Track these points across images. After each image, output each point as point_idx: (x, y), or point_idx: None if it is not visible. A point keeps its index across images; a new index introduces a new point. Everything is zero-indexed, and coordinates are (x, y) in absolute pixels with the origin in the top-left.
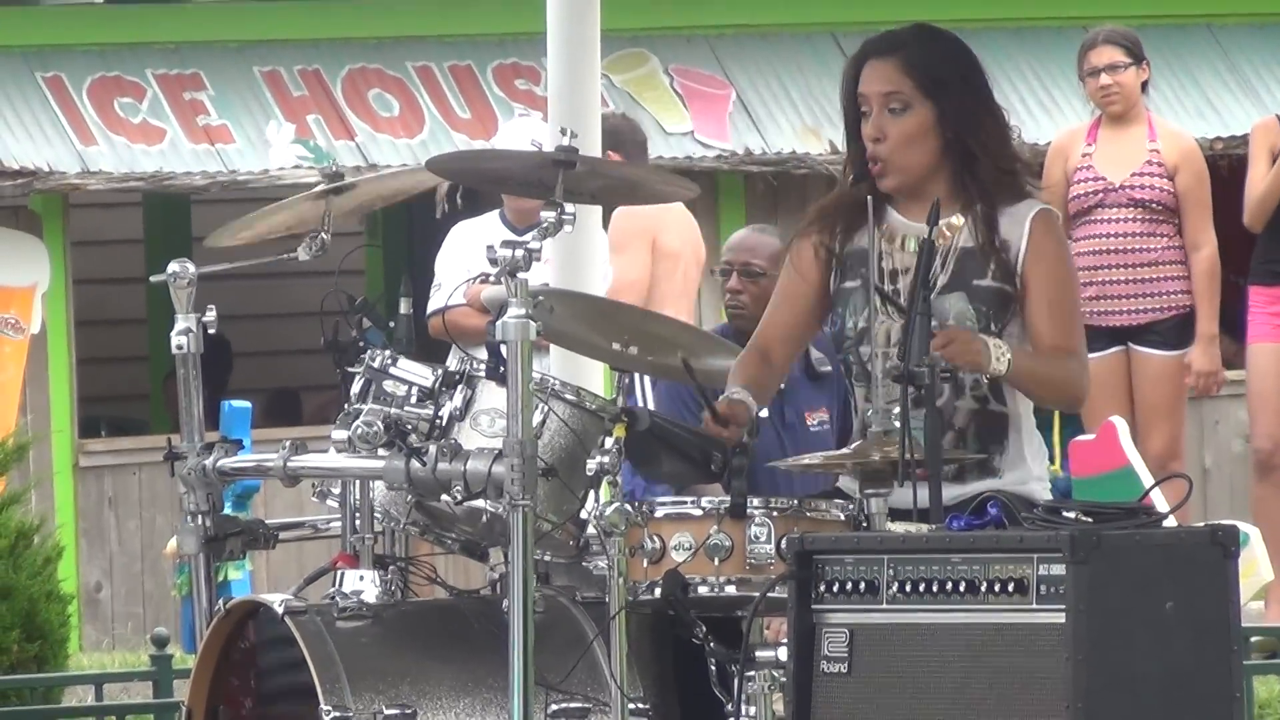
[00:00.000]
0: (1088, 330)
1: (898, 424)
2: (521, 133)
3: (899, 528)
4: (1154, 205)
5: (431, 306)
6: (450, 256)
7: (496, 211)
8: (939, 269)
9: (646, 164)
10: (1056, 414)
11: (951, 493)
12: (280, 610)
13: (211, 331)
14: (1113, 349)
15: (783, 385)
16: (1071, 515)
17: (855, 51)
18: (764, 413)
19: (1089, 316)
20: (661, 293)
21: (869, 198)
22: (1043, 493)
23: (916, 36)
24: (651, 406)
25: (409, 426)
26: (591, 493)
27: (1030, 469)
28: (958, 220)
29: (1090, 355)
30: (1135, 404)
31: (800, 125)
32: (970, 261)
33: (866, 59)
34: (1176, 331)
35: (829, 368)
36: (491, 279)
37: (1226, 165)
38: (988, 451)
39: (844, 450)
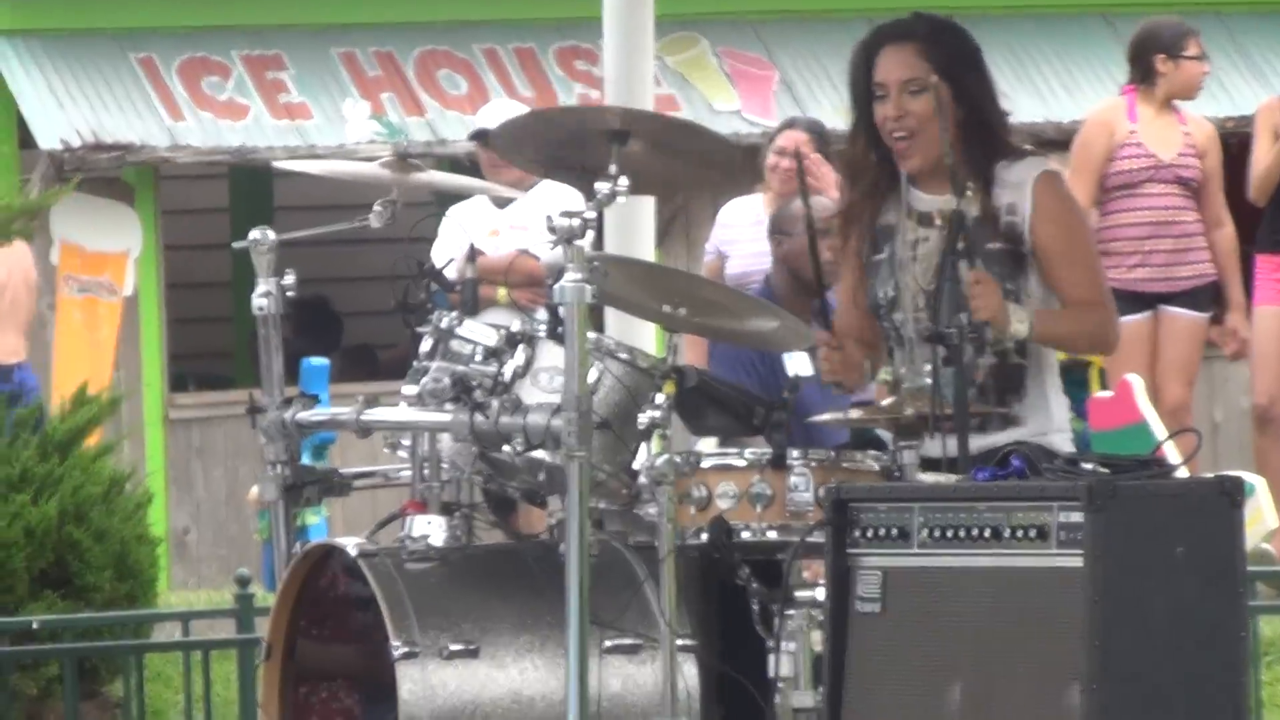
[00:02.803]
0: (1125, 295)
1: (928, 381)
2: (498, 114)
3: (929, 478)
4: (1192, 184)
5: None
6: (447, 234)
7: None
8: (937, 239)
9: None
10: (1095, 373)
11: (977, 443)
12: (354, 553)
13: (291, 294)
14: (1143, 314)
15: None
16: (1089, 466)
17: (865, 38)
18: (809, 370)
19: (1131, 284)
20: None
21: (903, 175)
22: (1063, 443)
23: (925, 23)
24: (708, 368)
25: (474, 383)
26: (643, 445)
27: (1052, 417)
28: (970, 193)
29: (1122, 318)
30: (1156, 359)
31: (839, 103)
32: (979, 229)
33: (881, 46)
34: (1204, 297)
35: None
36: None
37: (1236, 144)
38: (1005, 402)
39: (880, 404)
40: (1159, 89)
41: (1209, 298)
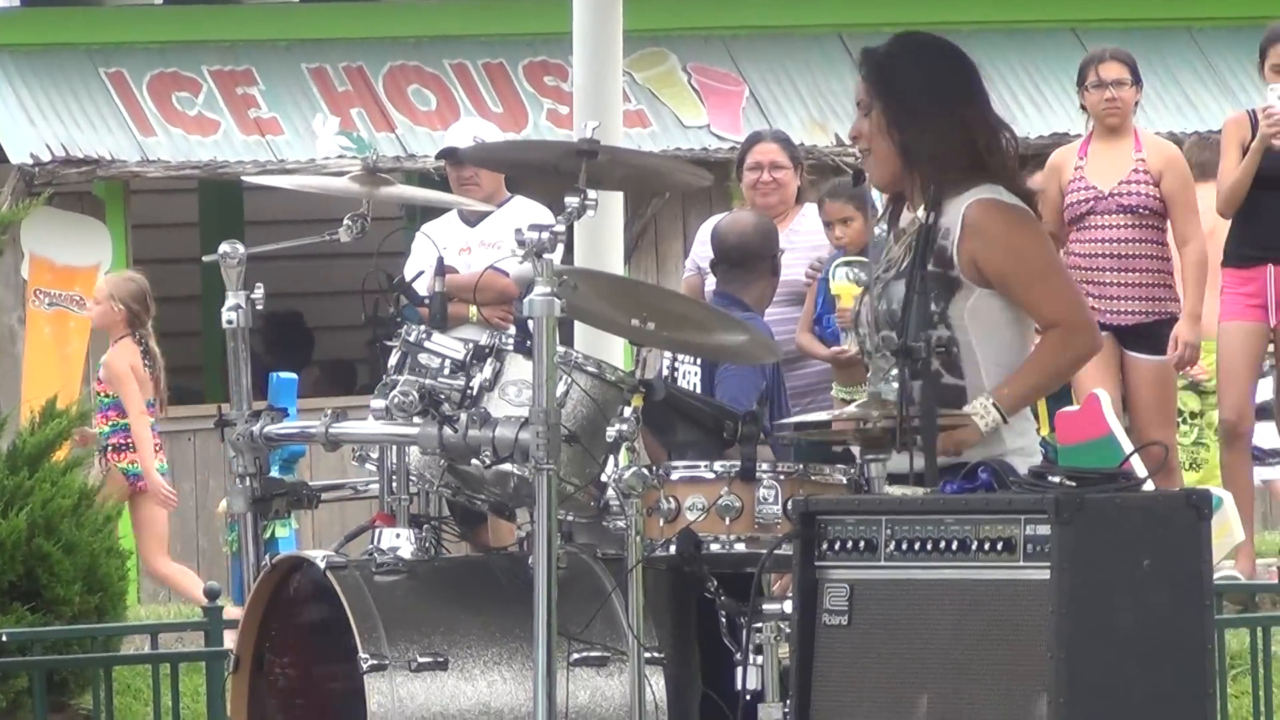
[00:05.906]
0: None
1: (893, 395)
2: (466, 132)
3: (896, 491)
4: (1141, 210)
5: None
6: (418, 250)
7: (454, 210)
8: (902, 256)
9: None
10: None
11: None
12: (322, 565)
13: (260, 308)
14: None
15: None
16: (1056, 479)
17: None
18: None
19: None
20: None
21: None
22: (1022, 465)
23: (889, 46)
24: (716, 395)
25: (442, 396)
26: (611, 458)
27: (1005, 442)
28: (921, 213)
29: None
30: (1131, 407)
31: (809, 119)
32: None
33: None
34: (1165, 337)
35: None
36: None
37: None
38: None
39: (847, 410)
40: (1090, 120)
41: (1169, 336)
